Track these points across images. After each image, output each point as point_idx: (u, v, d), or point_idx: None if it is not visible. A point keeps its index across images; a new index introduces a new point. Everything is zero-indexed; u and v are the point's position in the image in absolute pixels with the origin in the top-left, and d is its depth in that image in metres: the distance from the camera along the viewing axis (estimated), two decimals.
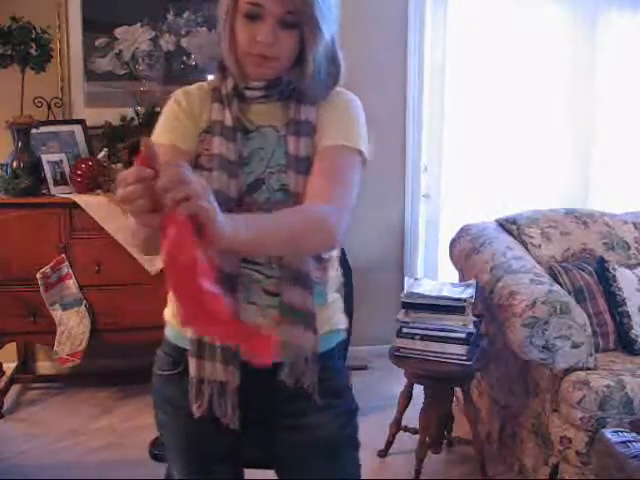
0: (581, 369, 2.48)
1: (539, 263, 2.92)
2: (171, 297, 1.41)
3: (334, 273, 1.46)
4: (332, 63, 1.40)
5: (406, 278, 3.08)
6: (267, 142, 1.39)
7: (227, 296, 1.21)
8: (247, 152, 1.38)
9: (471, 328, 2.59)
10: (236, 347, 1.24)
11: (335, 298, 1.48)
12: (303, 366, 1.36)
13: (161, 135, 1.39)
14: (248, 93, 1.39)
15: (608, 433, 2.07)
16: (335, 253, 1.45)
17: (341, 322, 1.49)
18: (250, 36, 1.32)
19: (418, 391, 2.75)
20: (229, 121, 1.38)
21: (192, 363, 1.36)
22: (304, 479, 1.44)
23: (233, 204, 1.32)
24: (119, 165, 3.25)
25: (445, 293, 2.67)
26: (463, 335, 2.58)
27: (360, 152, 1.38)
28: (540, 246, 3.07)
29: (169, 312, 1.45)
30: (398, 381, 2.94)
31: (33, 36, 3.10)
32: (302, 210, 1.29)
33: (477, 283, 2.75)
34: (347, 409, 1.47)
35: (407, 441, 2.83)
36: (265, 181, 1.36)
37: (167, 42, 3.51)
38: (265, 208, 1.34)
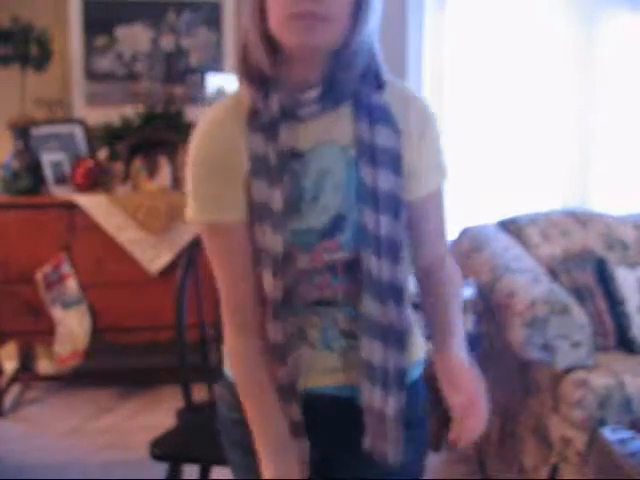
0: (581, 369, 2.48)
1: (539, 263, 2.92)
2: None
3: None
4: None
5: None
6: (333, 163, 1.12)
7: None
8: (310, 182, 1.11)
9: (471, 328, 2.59)
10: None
11: (414, 318, 1.31)
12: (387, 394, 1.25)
13: (199, 213, 1.13)
14: (302, 112, 1.09)
15: (606, 431, 2.07)
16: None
17: (421, 349, 1.38)
18: None
19: None
20: (273, 159, 1.08)
21: None
22: None
23: (279, 261, 1.11)
24: (119, 165, 3.25)
25: None
26: None
27: None
28: (540, 246, 3.06)
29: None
30: None
31: (33, 36, 3.11)
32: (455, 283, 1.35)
33: (477, 283, 2.75)
34: (423, 439, 1.38)
35: None
36: (347, 217, 1.12)
37: (167, 42, 3.51)
38: (340, 254, 1.14)
